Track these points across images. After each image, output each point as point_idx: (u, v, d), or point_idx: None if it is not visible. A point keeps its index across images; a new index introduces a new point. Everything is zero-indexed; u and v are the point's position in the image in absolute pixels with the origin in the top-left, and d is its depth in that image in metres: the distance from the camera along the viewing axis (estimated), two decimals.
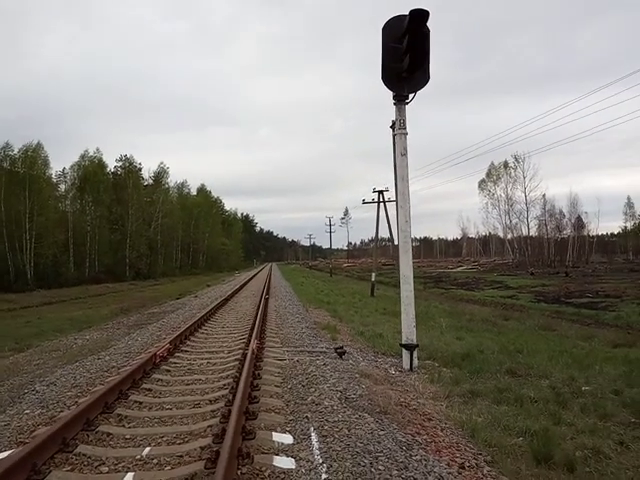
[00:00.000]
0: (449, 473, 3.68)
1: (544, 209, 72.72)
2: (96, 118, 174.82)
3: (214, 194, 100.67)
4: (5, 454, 4.00)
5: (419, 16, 6.78)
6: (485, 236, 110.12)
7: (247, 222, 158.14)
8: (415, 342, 7.56)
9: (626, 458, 4.31)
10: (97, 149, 59.65)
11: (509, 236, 77.32)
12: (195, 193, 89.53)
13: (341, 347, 8.37)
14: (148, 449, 4.09)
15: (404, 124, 7.87)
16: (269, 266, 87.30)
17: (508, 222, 74.38)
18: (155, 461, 3.87)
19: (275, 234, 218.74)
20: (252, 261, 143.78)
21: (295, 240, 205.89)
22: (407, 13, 6.86)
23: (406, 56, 7.11)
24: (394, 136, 9.13)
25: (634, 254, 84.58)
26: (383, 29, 7.45)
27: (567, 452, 4.35)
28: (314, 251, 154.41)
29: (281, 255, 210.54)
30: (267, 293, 21.20)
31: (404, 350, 7.61)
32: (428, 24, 7.00)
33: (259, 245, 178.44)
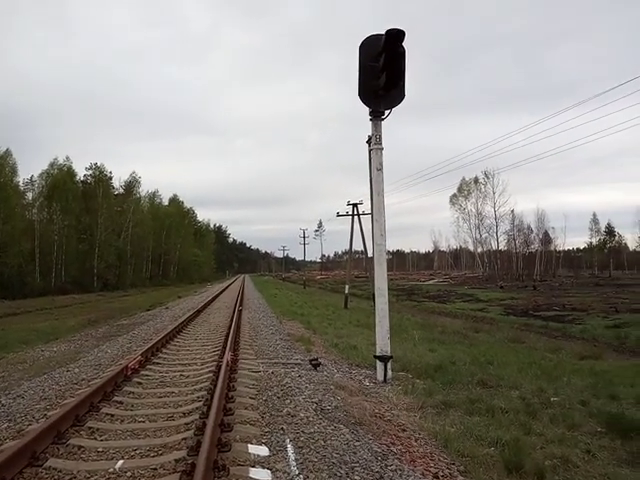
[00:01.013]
0: None
1: (513, 224, 74.74)
2: (67, 125, 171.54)
3: (187, 204, 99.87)
4: None
5: (395, 36, 6.96)
6: (456, 250, 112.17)
7: (220, 233, 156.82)
8: (389, 354, 7.63)
9: (593, 466, 4.45)
10: (67, 157, 58.67)
11: (479, 250, 79.02)
12: (167, 203, 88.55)
13: (316, 359, 8.38)
14: (121, 462, 4.02)
15: (380, 139, 8.01)
16: (242, 278, 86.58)
17: (478, 236, 76.11)
18: (129, 474, 3.80)
19: (248, 245, 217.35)
20: (225, 273, 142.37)
21: (268, 252, 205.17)
22: (383, 33, 7.03)
23: (382, 74, 7.27)
24: (370, 151, 9.28)
25: (599, 269, 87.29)
26: (360, 47, 7.61)
27: (537, 461, 4.46)
28: (287, 263, 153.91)
29: (254, 267, 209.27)
30: (240, 305, 21.05)
31: (378, 362, 7.67)
32: (403, 43, 7.19)
33: (232, 256, 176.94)
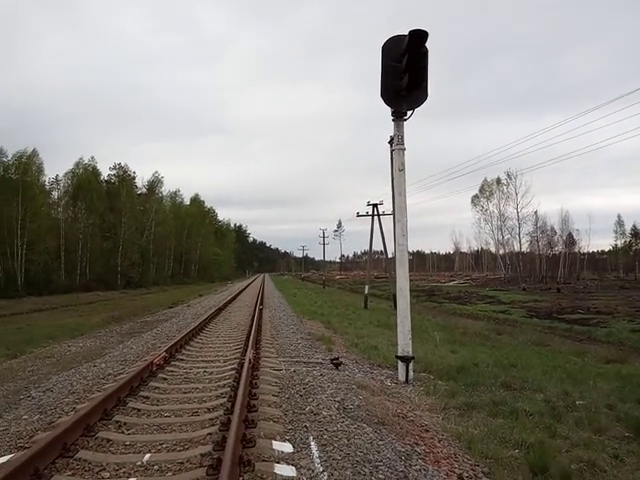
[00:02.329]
0: None
1: (536, 225, 73.44)
2: (89, 127, 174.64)
3: (207, 204, 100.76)
4: (5, 458, 4.00)
5: (418, 36, 6.94)
6: (477, 251, 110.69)
7: (240, 233, 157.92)
8: (411, 354, 7.61)
9: (621, 472, 4.38)
10: (92, 157, 59.81)
11: (501, 251, 77.92)
12: (188, 202, 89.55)
13: (337, 358, 8.41)
14: (149, 455, 4.11)
15: (402, 140, 7.99)
16: (262, 277, 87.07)
17: (500, 238, 75.00)
18: (156, 467, 3.88)
19: (268, 245, 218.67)
20: (245, 272, 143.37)
21: (288, 251, 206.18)
22: (406, 33, 7.02)
23: (405, 75, 7.25)
24: (392, 151, 9.28)
25: (624, 272, 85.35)
26: (383, 48, 7.61)
27: (563, 465, 4.41)
28: (307, 263, 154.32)
29: (274, 266, 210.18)
30: (261, 304, 21.19)
31: (400, 362, 7.66)
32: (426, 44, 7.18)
33: (252, 256, 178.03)
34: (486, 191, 76.56)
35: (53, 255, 47.75)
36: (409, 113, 7.88)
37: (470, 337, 14.82)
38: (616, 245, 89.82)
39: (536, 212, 72.12)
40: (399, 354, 7.68)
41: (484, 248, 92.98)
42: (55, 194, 57.17)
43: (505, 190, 73.04)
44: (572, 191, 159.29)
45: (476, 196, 77.98)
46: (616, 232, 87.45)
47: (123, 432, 4.73)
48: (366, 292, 29.02)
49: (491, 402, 6.38)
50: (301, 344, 10.66)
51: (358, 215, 33.19)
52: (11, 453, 4.16)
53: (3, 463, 3.87)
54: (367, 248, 34.50)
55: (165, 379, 7.01)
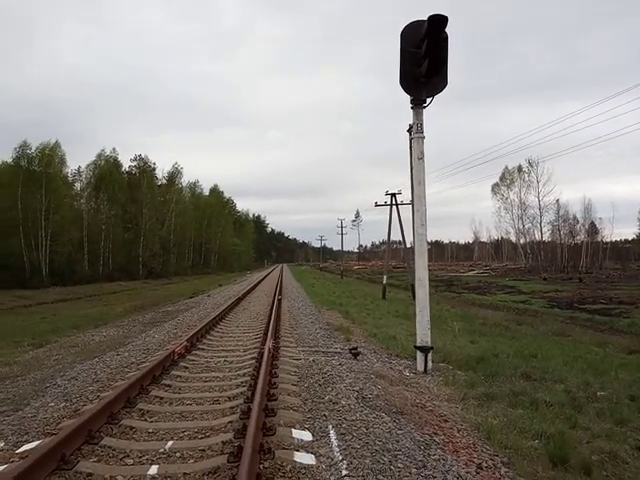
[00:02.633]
0: (467, 473, 3.74)
1: (557, 214, 72.34)
2: (109, 118, 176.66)
3: (226, 194, 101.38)
4: (34, 444, 4.13)
5: (438, 22, 6.82)
6: (497, 240, 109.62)
7: (258, 223, 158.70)
8: (430, 344, 7.60)
9: None
10: (113, 149, 60.71)
11: (522, 241, 76.93)
12: (207, 193, 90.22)
13: (355, 348, 8.44)
14: (171, 443, 4.20)
15: (421, 128, 7.91)
16: (280, 267, 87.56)
17: (521, 227, 74.02)
18: (178, 454, 3.97)
19: (286, 235, 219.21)
20: (263, 262, 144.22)
21: (306, 242, 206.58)
22: (425, 19, 6.91)
23: (425, 61, 7.14)
24: (411, 140, 9.20)
25: None
26: (402, 34, 7.50)
27: (583, 456, 4.37)
28: (325, 253, 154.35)
29: (292, 256, 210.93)
30: (279, 294, 21.32)
31: (418, 352, 7.65)
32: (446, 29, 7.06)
33: (270, 246, 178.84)
34: (507, 179, 75.52)
35: (76, 246, 48.73)
36: (428, 100, 7.78)
37: (490, 327, 14.71)
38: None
39: (558, 200, 71.07)
40: (418, 344, 7.68)
41: (504, 237, 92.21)
42: (78, 185, 58.29)
43: (526, 178, 72.01)
44: (595, 179, 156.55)
45: (496, 184, 77.02)
46: None
47: (146, 420, 4.84)
48: (384, 282, 28.94)
49: (511, 392, 6.34)
50: (320, 334, 10.72)
51: (376, 205, 33.05)
52: (39, 439, 4.29)
53: (32, 449, 4.00)
54: (385, 238, 34.41)
55: (186, 368, 7.13)
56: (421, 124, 7.88)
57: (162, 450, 4.04)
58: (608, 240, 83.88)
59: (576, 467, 4.15)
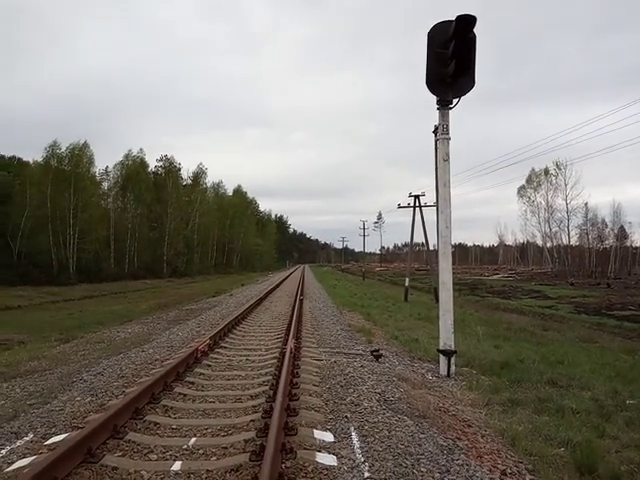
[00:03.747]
0: (491, 479, 3.68)
1: (586, 218, 70.78)
2: (136, 118, 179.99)
3: (249, 195, 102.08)
4: (62, 437, 4.22)
5: (466, 22, 6.75)
6: (523, 244, 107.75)
7: (281, 223, 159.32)
8: (453, 348, 7.51)
9: None
10: (140, 149, 61.72)
11: (548, 244, 75.52)
12: (230, 193, 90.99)
13: (377, 350, 8.39)
14: (194, 439, 4.23)
15: (447, 129, 7.83)
16: (302, 268, 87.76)
17: (548, 230, 72.64)
18: (201, 451, 4.00)
19: (308, 236, 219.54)
20: (285, 262, 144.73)
21: (328, 243, 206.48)
22: (453, 19, 6.85)
23: (452, 61, 7.08)
24: (436, 141, 9.10)
25: None
26: (429, 34, 7.44)
27: (612, 465, 4.26)
28: (346, 254, 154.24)
29: (314, 257, 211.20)
30: (301, 294, 21.36)
31: (441, 356, 7.57)
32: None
33: (292, 247, 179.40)
34: (533, 182, 74.16)
35: (103, 244, 49.67)
36: (455, 101, 7.70)
37: (514, 332, 14.46)
38: None
39: (586, 204, 69.51)
40: (441, 347, 7.59)
41: (530, 241, 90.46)
42: (105, 185, 59.39)
43: (554, 181, 70.60)
44: (625, 182, 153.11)
45: (523, 187, 75.72)
46: None
47: (170, 416, 4.90)
48: (407, 284, 28.74)
49: (536, 399, 6.22)
50: (341, 335, 10.70)
51: (399, 206, 32.83)
52: (66, 432, 4.38)
53: (60, 441, 4.09)
54: (408, 240, 34.18)
55: (209, 366, 7.20)
56: (447, 125, 7.80)
57: (185, 447, 4.08)
58: (638, 245, 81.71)
59: (604, 477, 4.06)
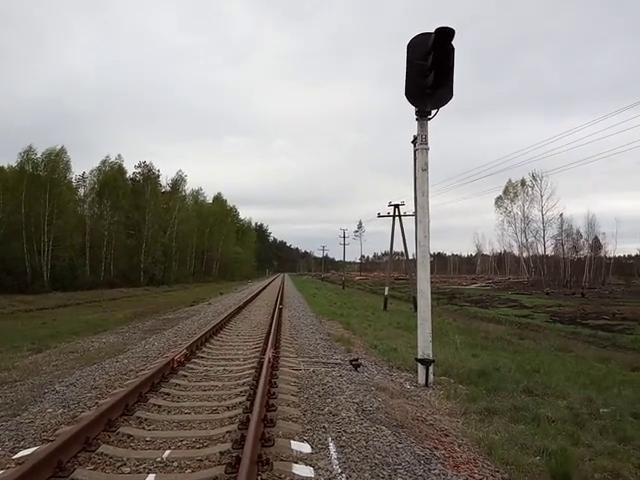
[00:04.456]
0: None
1: (561, 228, 72.21)
2: (114, 126, 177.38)
3: (229, 203, 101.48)
4: (31, 450, 4.09)
5: (445, 34, 6.86)
6: (500, 254, 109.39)
7: (261, 232, 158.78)
8: (431, 357, 7.54)
9: None
10: (118, 155, 61.00)
11: (525, 254, 76.74)
12: (210, 201, 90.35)
13: (356, 359, 8.38)
14: (168, 452, 4.15)
15: (426, 139, 7.92)
16: (282, 276, 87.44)
17: (524, 240, 73.91)
18: (175, 464, 3.92)
19: (288, 244, 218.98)
20: (265, 271, 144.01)
21: (308, 251, 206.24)
22: (432, 31, 6.96)
23: (431, 73, 7.18)
24: (415, 151, 9.22)
25: None
26: (408, 46, 7.54)
27: (585, 473, 4.32)
28: (327, 263, 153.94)
29: (294, 266, 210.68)
30: (280, 303, 21.26)
31: (420, 365, 7.59)
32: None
33: (272, 255, 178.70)
34: (510, 193, 75.51)
35: (78, 251, 48.77)
36: (433, 112, 7.81)
37: (492, 341, 14.61)
38: None
39: (561, 215, 70.97)
40: (419, 357, 7.62)
41: (507, 251, 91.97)
42: (81, 191, 58.42)
43: (530, 192, 72.03)
44: (599, 194, 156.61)
45: (500, 198, 76.99)
46: None
47: (144, 428, 4.79)
48: (386, 293, 28.85)
49: (512, 407, 6.28)
50: (320, 344, 10.66)
51: (379, 216, 33.05)
52: (36, 445, 4.24)
53: (29, 455, 3.96)
54: (387, 249, 34.35)
55: (185, 376, 7.08)
56: (425, 136, 7.89)
57: (159, 459, 3.99)
58: (611, 255, 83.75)
59: None
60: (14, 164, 47.25)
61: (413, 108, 7.84)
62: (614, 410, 6.50)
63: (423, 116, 7.82)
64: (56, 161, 47.67)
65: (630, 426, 5.82)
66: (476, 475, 4.05)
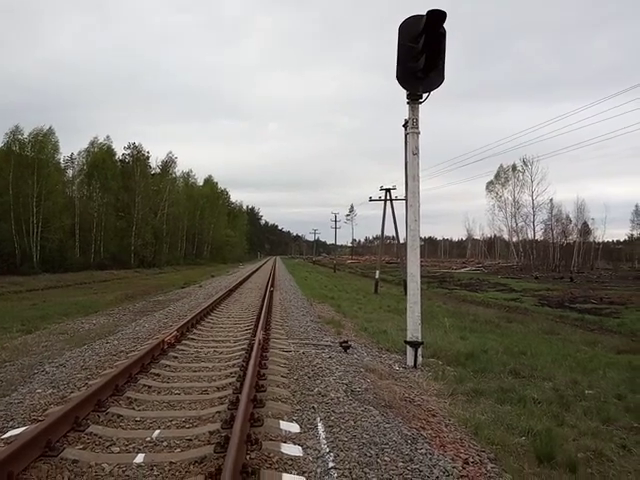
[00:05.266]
0: (454, 467, 3.75)
1: (551, 213, 72.80)
2: (106, 106, 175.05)
3: (220, 185, 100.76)
4: (19, 430, 4.10)
5: (436, 17, 6.79)
6: (490, 238, 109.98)
7: (252, 215, 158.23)
8: (420, 339, 7.61)
9: (628, 461, 4.36)
10: (107, 136, 60.13)
11: (514, 239, 77.38)
12: (201, 183, 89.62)
13: (346, 341, 8.44)
14: (158, 432, 4.18)
15: (417, 123, 7.89)
16: (273, 259, 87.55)
17: (514, 225, 74.46)
18: (165, 443, 3.95)
19: (280, 228, 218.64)
20: (256, 254, 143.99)
21: (299, 235, 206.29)
22: (424, 14, 6.88)
23: (422, 56, 7.12)
24: (406, 135, 9.18)
25: None
26: (400, 28, 7.46)
27: (569, 453, 4.41)
28: (318, 246, 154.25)
29: (285, 249, 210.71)
30: (272, 286, 21.30)
31: (409, 347, 7.67)
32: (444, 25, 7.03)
33: (264, 238, 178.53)
34: (501, 177, 75.80)
35: (68, 233, 48.24)
36: (425, 96, 7.76)
37: (480, 324, 14.77)
38: (632, 235, 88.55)
39: (551, 200, 71.49)
40: (408, 339, 7.69)
41: (497, 235, 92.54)
42: (70, 172, 57.60)
43: (521, 177, 72.38)
44: (589, 179, 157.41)
45: (491, 182, 77.28)
46: (633, 222, 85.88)
47: (133, 408, 4.81)
48: (377, 277, 28.99)
49: (499, 389, 6.38)
50: (310, 327, 10.72)
51: (371, 200, 33.07)
52: (25, 425, 4.26)
53: (17, 435, 3.97)
54: (379, 233, 34.42)
55: (176, 357, 7.11)
56: (417, 119, 7.86)
57: (149, 439, 4.02)
58: (600, 241, 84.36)
59: (562, 464, 4.19)
60: (0, 145, 46.43)
61: (404, 92, 7.79)
62: (599, 392, 6.62)
63: (414, 100, 7.78)
64: (44, 142, 46.80)
65: (614, 407, 5.93)
66: (462, 454, 4.12)
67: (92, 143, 57.63)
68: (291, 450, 3.82)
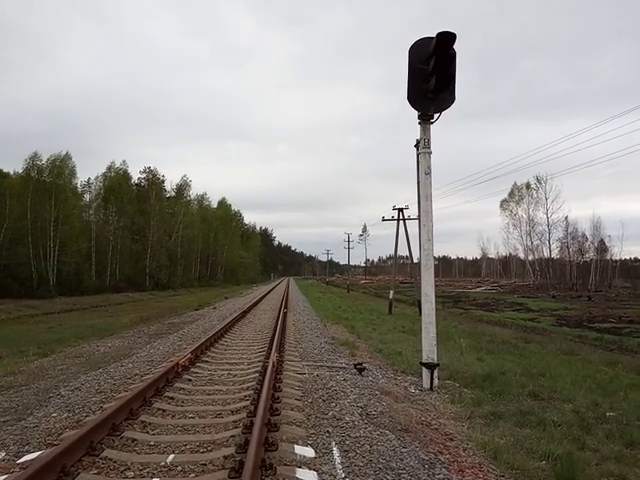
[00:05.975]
0: None
1: (566, 231, 71.85)
2: (121, 131, 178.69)
3: (234, 207, 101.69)
4: (35, 455, 4.10)
5: (446, 39, 6.88)
6: (505, 257, 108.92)
7: (265, 236, 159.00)
8: (436, 361, 7.51)
9: None
10: (123, 161, 61.24)
11: (530, 257, 76.44)
12: (215, 206, 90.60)
13: (360, 363, 8.36)
14: (172, 456, 4.15)
15: (429, 143, 7.92)
16: (287, 280, 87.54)
17: (529, 243, 73.64)
18: (179, 468, 3.92)
19: (293, 249, 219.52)
20: (270, 275, 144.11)
21: (312, 255, 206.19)
22: (434, 36, 6.97)
23: (432, 77, 7.19)
24: (418, 155, 9.20)
25: None
26: (410, 50, 7.56)
27: (592, 478, 4.28)
28: (331, 267, 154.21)
29: (299, 270, 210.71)
30: (285, 307, 21.26)
31: (424, 369, 7.56)
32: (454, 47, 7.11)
33: (277, 259, 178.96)
34: (515, 195, 75.27)
35: (84, 256, 48.87)
36: (436, 116, 7.81)
37: (497, 345, 14.53)
38: None
39: (566, 218, 70.64)
40: (424, 361, 7.59)
41: (512, 254, 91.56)
42: (87, 197, 58.66)
43: (535, 195, 71.79)
44: (604, 196, 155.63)
45: (505, 200, 76.73)
46: None
47: (148, 432, 4.80)
48: (391, 297, 28.77)
49: (518, 412, 6.24)
50: (324, 348, 10.64)
51: (383, 219, 33.05)
52: (40, 450, 4.26)
53: (32, 459, 3.97)
54: (392, 253, 34.29)
55: (190, 380, 7.09)
56: (428, 139, 7.90)
57: (163, 463, 4.00)
58: (617, 258, 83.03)
59: None
60: (19, 170, 47.51)
61: (415, 112, 7.85)
62: (621, 414, 6.44)
63: (426, 120, 7.83)
64: (61, 167, 47.86)
65: (637, 430, 5.75)
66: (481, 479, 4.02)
67: (109, 168, 58.91)
68: (306, 475, 3.76)
